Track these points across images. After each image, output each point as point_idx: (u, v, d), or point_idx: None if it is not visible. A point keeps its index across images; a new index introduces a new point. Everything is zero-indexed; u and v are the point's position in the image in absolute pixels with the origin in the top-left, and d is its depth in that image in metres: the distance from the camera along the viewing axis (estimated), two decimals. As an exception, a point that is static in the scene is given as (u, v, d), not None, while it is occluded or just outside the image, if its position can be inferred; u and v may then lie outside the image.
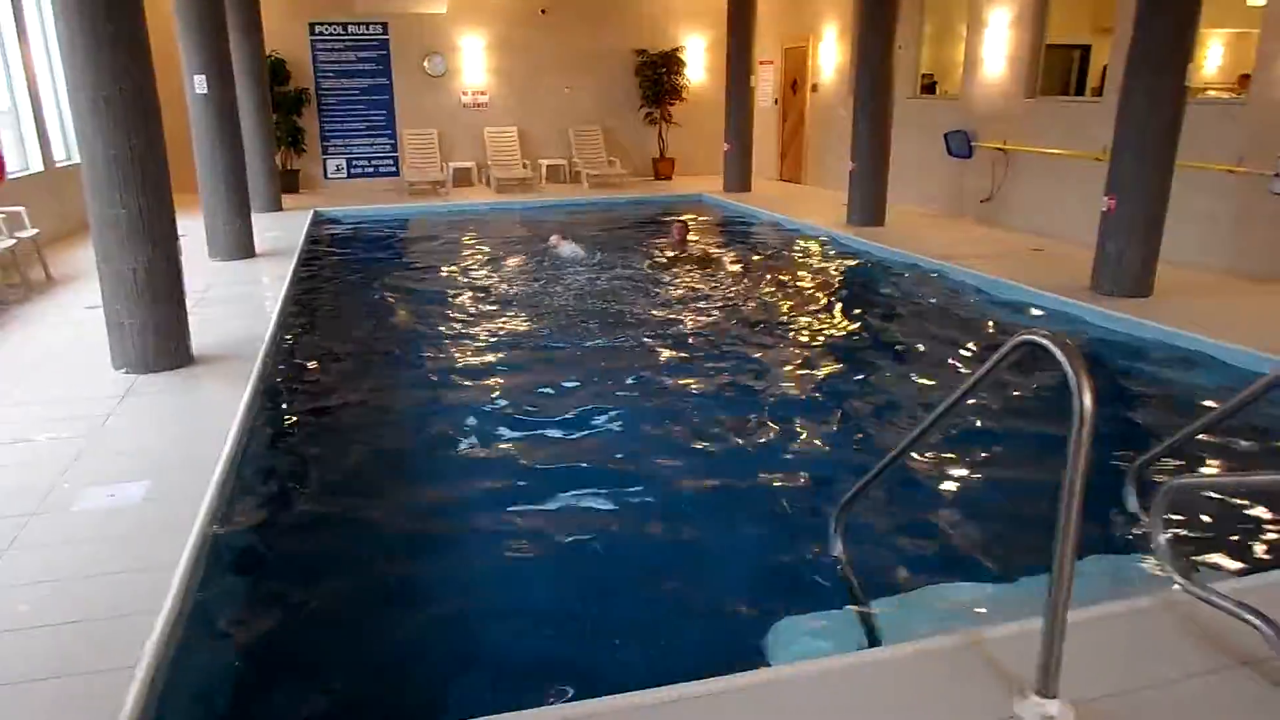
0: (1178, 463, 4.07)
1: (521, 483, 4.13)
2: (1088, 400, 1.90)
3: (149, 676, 2.49)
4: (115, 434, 4.30)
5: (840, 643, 2.86)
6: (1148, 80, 6.50)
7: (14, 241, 7.26)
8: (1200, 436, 3.41)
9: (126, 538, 3.29)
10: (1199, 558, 3.39)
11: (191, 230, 8.50)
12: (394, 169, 15.00)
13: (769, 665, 2.72)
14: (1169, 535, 2.72)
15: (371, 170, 15.02)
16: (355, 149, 14.91)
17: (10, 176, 8.72)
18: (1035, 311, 6.97)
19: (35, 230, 7.78)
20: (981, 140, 10.55)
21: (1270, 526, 3.73)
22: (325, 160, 14.79)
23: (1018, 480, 4.14)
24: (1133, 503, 3.47)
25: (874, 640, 2.90)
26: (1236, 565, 3.40)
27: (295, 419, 5.04)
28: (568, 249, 9.34)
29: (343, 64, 14.51)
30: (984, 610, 3.03)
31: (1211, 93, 10.42)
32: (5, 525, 3.39)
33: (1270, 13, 7.36)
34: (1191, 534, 3.57)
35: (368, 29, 14.43)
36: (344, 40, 14.42)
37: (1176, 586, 2.67)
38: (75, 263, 8.31)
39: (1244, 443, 4.48)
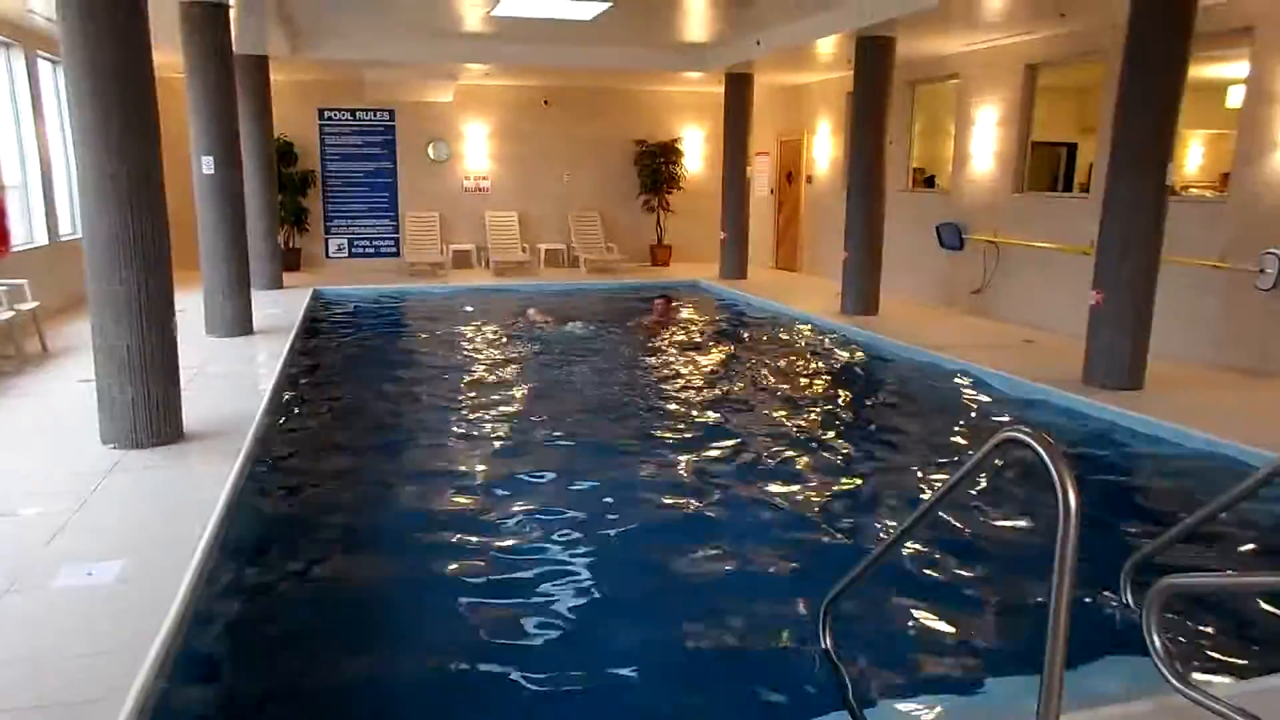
0: (1174, 560, 4.02)
1: (509, 573, 4.06)
2: (1072, 498, 1.88)
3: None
4: (99, 510, 4.24)
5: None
6: (1130, 179, 6.69)
7: (13, 314, 7.30)
8: (1196, 532, 3.37)
9: (101, 617, 3.22)
10: (1196, 660, 3.31)
11: (190, 306, 8.56)
12: (395, 250, 15.24)
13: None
14: (1165, 636, 2.66)
15: (373, 250, 15.25)
16: (357, 229, 15.18)
17: (16, 249, 8.85)
18: (1029, 404, 6.97)
19: (35, 303, 7.84)
20: (972, 233, 10.77)
21: (1270, 628, 3.66)
22: (327, 239, 15.04)
23: (1012, 576, 4.08)
24: (1128, 601, 3.41)
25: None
26: (1235, 669, 3.33)
27: (282, 500, 4.97)
28: (578, 327, 9.72)
29: (349, 148, 14.91)
30: (975, 712, 2.94)
31: (1194, 191, 10.70)
32: (-23, 604, 3.32)
33: (1245, 115, 7.63)
34: (1188, 635, 3.50)
35: (375, 115, 14.88)
36: (351, 125, 14.85)
37: (1173, 690, 2.60)
38: (72, 336, 8.33)
39: (1240, 541, 4.44)
